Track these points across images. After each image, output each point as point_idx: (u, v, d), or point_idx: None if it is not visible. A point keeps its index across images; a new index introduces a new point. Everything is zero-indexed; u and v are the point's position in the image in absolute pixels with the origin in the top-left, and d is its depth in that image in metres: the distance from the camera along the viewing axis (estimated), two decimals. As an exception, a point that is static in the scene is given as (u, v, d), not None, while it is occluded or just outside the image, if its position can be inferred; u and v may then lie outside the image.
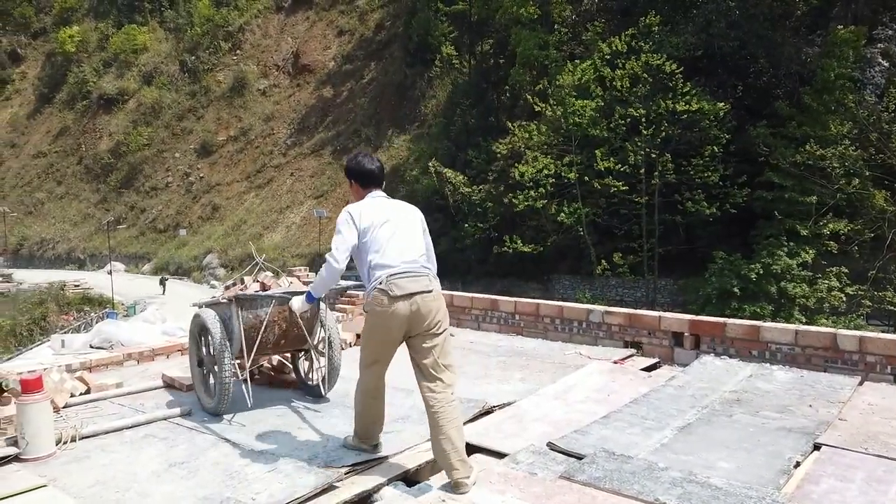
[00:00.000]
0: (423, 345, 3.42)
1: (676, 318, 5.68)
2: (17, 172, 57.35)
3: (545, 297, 22.55)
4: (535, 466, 3.37)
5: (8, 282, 34.02)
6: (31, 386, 3.69)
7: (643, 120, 22.20)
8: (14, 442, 3.71)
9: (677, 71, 22.08)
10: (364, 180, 3.74)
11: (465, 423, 4.08)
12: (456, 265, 28.63)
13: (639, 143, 22.38)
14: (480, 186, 28.16)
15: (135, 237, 46.98)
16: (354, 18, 48.09)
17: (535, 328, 6.49)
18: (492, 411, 4.32)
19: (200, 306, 4.64)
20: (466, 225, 27.21)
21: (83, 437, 3.97)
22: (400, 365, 5.41)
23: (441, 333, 3.45)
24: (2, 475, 3.41)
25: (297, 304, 3.88)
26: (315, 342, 4.71)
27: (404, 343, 3.53)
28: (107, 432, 4.07)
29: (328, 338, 4.61)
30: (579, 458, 3.44)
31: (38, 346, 15.13)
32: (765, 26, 23.24)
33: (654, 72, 22.46)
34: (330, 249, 3.58)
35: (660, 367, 5.50)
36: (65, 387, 4.68)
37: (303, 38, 49.97)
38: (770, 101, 22.82)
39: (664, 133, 22.19)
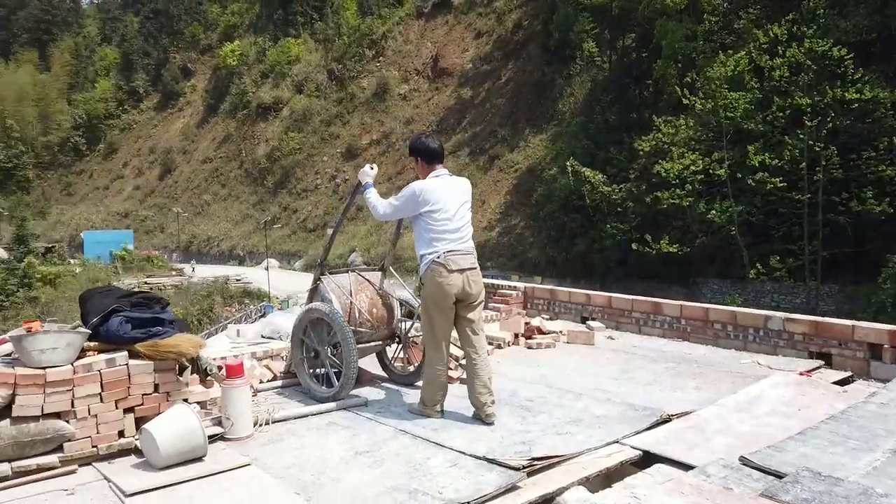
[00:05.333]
0: (468, 314, 4.15)
1: (874, 328, 5.13)
2: (188, 177, 63.44)
3: (689, 301, 21.39)
4: (730, 481, 3.17)
5: (181, 275, 37.61)
6: (235, 371, 4.02)
7: (807, 111, 20.44)
8: (218, 422, 4.06)
9: (847, 57, 20.12)
10: (429, 157, 4.29)
11: (641, 432, 3.95)
12: (594, 266, 27.89)
13: (801, 136, 20.61)
14: (621, 185, 27.26)
15: (287, 236, 50.20)
16: (492, 20, 48.40)
17: (704, 334, 6.14)
18: (669, 420, 4.14)
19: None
20: (608, 226, 26.46)
21: (275, 421, 4.26)
22: (568, 371, 5.34)
23: (480, 304, 4.22)
24: (212, 451, 3.73)
25: (364, 173, 4.55)
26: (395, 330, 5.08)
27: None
28: (296, 418, 4.35)
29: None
30: (779, 476, 3.20)
31: (214, 334, 16.72)
32: (953, 3, 20.63)
33: (818, 59, 20.61)
34: (391, 201, 4.32)
35: (853, 381, 5.00)
36: (255, 373, 5.07)
37: (442, 42, 51.05)
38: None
39: (830, 124, 20.27)
